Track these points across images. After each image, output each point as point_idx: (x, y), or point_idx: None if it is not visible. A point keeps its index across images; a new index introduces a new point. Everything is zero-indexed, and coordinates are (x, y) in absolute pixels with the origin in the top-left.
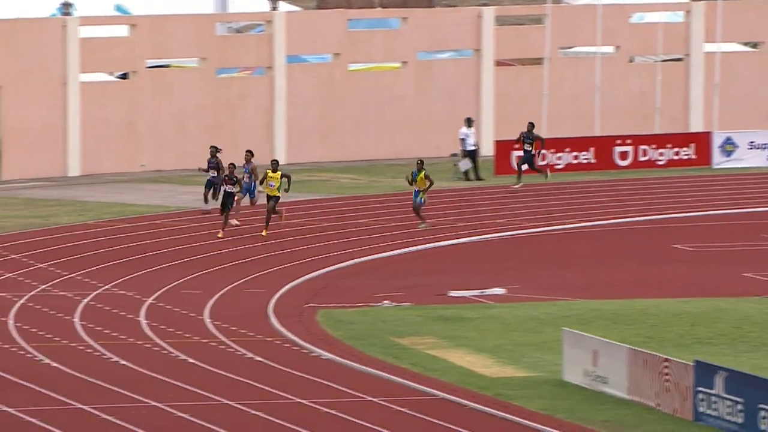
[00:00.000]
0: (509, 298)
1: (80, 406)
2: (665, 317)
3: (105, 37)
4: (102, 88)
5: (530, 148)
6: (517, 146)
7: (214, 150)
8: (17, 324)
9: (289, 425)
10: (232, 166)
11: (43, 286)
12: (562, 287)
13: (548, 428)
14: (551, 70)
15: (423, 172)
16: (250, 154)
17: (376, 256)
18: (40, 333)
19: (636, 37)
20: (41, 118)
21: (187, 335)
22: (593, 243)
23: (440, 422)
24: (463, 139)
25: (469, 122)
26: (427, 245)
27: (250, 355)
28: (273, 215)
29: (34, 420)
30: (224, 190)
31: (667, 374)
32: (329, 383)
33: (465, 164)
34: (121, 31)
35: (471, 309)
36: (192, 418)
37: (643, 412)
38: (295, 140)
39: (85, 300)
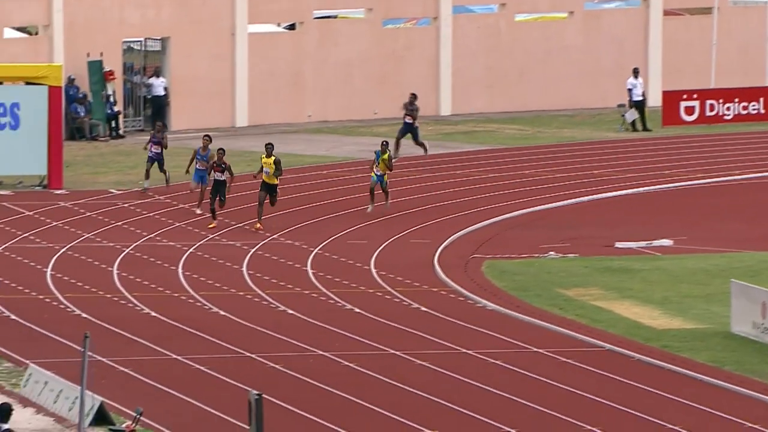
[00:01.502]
0: (676, 249)
1: (248, 354)
2: None
3: None
4: (269, 38)
5: (411, 121)
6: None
7: (161, 125)
8: (186, 273)
9: (454, 375)
10: (222, 151)
11: (212, 236)
12: (730, 238)
13: (715, 380)
14: (720, 19)
15: (387, 154)
16: (207, 139)
17: (541, 207)
18: (209, 282)
19: None
20: (209, 69)
21: (353, 285)
22: (763, 194)
23: (607, 373)
24: (630, 90)
25: (636, 73)
26: (593, 197)
27: (415, 305)
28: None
29: (202, 368)
30: (214, 179)
31: None
32: (495, 334)
33: (632, 114)
34: None
35: (638, 260)
36: (358, 368)
37: None
38: (460, 91)
39: (253, 249)
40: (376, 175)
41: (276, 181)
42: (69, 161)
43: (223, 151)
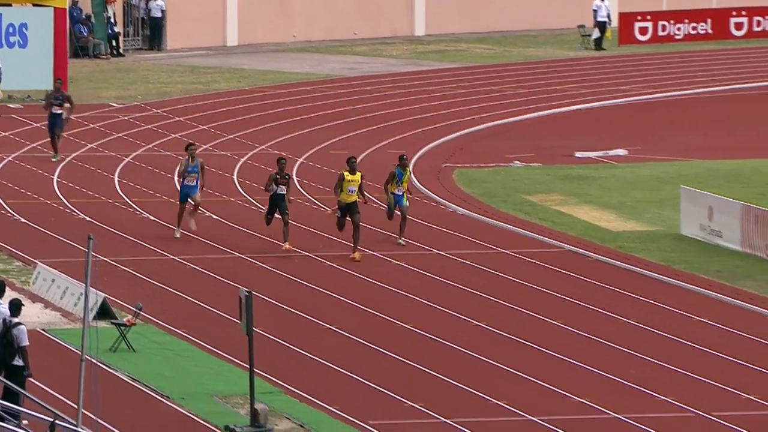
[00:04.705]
0: (631, 158)
1: (239, 254)
2: None
3: None
4: None
5: (60, 111)
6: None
7: None
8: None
9: (427, 274)
10: (283, 161)
11: (206, 146)
12: (680, 148)
13: (666, 278)
14: None
15: (408, 170)
16: (194, 147)
17: (507, 120)
18: (205, 189)
19: None
20: None
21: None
22: (710, 108)
23: (567, 272)
24: (595, 11)
25: None
26: (555, 110)
27: None
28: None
29: (196, 267)
30: (276, 192)
31: None
32: (464, 236)
33: (596, 33)
34: None
35: (595, 169)
36: (341, 267)
37: (754, 263)
38: (433, 13)
39: (243, 159)
40: (394, 195)
41: (357, 199)
42: (73, 77)
43: (285, 160)
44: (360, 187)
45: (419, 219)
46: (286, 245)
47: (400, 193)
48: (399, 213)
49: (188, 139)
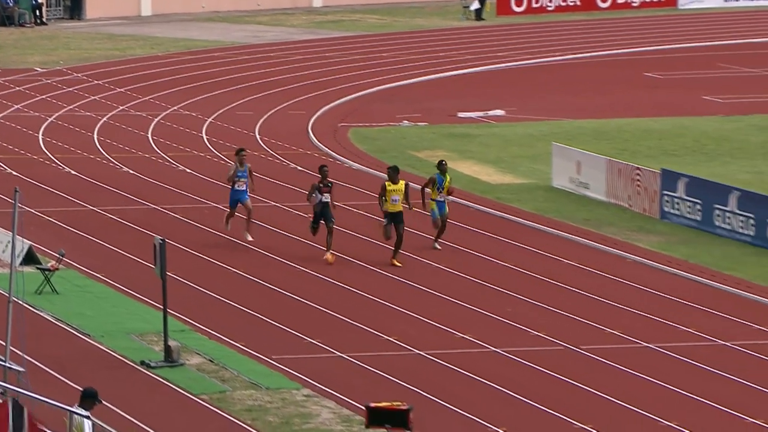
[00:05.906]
0: (508, 118)
1: (152, 205)
2: (637, 133)
3: None
4: None
5: None
6: None
7: None
8: (100, 138)
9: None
10: (326, 168)
11: (122, 107)
12: (552, 109)
13: (539, 225)
14: None
15: (448, 176)
16: (244, 153)
17: (397, 84)
18: (120, 146)
19: None
20: None
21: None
22: (578, 72)
23: (450, 221)
24: None
25: None
26: (439, 75)
27: (292, 165)
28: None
29: (114, 217)
30: (320, 200)
31: (638, 180)
32: (358, 188)
33: (475, 5)
34: None
35: (476, 128)
36: (256, 219)
37: (618, 212)
38: None
39: (157, 119)
40: (436, 201)
41: (402, 208)
42: (0, 44)
43: (327, 168)
44: (406, 195)
45: (316, 173)
46: (329, 255)
47: (442, 200)
48: (440, 219)
49: (107, 101)
